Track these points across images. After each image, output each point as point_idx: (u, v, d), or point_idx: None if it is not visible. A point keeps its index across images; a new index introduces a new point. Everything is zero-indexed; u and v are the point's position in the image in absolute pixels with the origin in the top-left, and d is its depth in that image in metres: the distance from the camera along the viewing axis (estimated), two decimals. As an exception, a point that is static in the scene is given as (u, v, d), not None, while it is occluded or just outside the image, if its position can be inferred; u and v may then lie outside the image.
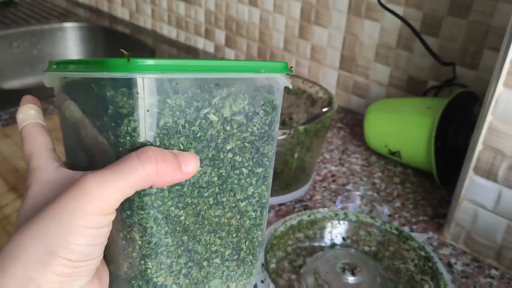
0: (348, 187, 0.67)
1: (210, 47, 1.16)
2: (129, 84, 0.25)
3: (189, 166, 0.26)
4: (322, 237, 0.52)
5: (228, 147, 0.29)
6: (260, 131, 0.30)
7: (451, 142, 0.65)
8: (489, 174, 0.51)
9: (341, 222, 0.52)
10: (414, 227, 0.60)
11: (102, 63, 0.25)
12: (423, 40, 0.74)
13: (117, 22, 1.35)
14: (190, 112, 0.27)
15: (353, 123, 0.86)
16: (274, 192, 0.62)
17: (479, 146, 0.51)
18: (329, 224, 0.52)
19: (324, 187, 0.67)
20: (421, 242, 0.48)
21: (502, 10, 0.67)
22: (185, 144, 0.27)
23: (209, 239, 0.30)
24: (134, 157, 0.25)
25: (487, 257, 0.54)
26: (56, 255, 0.24)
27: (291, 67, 0.30)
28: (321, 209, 0.52)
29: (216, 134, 0.28)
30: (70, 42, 1.31)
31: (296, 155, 0.59)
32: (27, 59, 1.26)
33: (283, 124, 0.72)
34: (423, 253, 0.47)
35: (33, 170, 0.29)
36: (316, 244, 0.51)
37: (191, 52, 1.17)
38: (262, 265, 0.43)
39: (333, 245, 0.51)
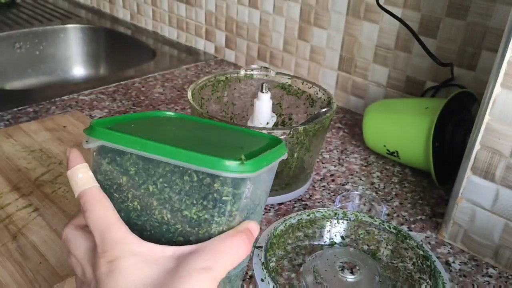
0: (347, 186, 0.68)
1: (210, 48, 1.17)
2: (239, 183, 0.31)
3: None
4: (321, 236, 0.52)
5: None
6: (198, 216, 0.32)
7: (449, 142, 0.65)
8: (487, 174, 0.52)
9: (340, 221, 0.52)
10: (413, 226, 0.60)
11: (216, 163, 0.30)
12: (421, 41, 0.74)
13: (119, 23, 1.35)
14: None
15: (352, 123, 0.87)
16: (274, 192, 0.62)
17: (477, 146, 0.52)
18: (328, 223, 0.52)
19: (323, 186, 0.67)
20: (419, 241, 0.49)
21: (499, 12, 0.67)
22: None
23: None
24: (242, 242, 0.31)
25: (485, 256, 0.55)
26: None
27: (242, 160, 0.30)
28: (320, 208, 0.53)
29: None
30: (72, 43, 1.32)
31: (295, 155, 0.59)
32: (29, 60, 1.26)
33: (283, 124, 0.72)
34: (421, 252, 0.47)
35: (116, 242, 0.30)
36: (315, 243, 0.52)
37: (192, 53, 1.17)
38: (262, 263, 0.44)
39: (332, 244, 0.52)
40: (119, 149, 0.32)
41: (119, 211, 0.33)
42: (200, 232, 0.32)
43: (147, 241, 0.31)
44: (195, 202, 0.32)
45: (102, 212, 0.31)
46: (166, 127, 0.38)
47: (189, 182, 0.31)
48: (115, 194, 0.33)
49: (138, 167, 0.32)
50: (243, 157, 0.30)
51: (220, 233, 0.32)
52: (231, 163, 0.30)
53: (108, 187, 0.34)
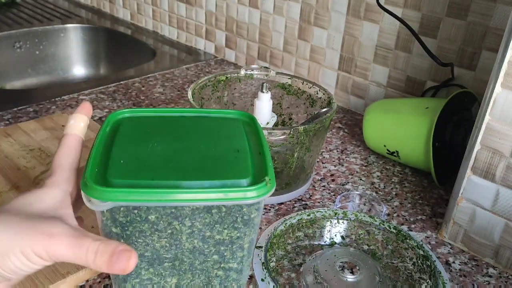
0: (347, 186, 0.68)
1: (210, 48, 1.17)
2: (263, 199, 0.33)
3: (121, 264, 0.30)
4: (321, 236, 0.52)
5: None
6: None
7: (449, 142, 0.65)
8: (487, 174, 0.52)
9: (340, 221, 0.52)
10: (413, 226, 0.60)
11: (246, 194, 0.31)
12: (422, 41, 0.74)
13: (119, 23, 1.35)
14: None
15: (352, 123, 0.87)
16: (274, 192, 0.62)
17: (477, 146, 0.52)
18: (328, 223, 0.52)
19: (324, 186, 0.67)
20: (419, 241, 0.49)
21: (500, 12, 0.67)
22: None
23: None
24: (87, 242, 0.30)
25: (485, 256, 0.55)
26: None
27: (267, 181, 0.32)
28: (320, 208, 0.53)
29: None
30: (72, 43, 1.32)
31: (295, 155, 0.59)
32: (29, 59, 1.26)
33: (283, 124, 0.72)
34: (421, 252, 0.47)
35: (52, 183, 0.33)
36: (315, 243, 0.52)
37: (192, 53, 1.17)
38: (262, 263, 0.44)
39: (332, 244, 0.52)
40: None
41: (144, 252, 0.33)
42: (234, 247, 0.34)
43: (181, 268, 0.35)
44: (226, 226, 0.33)
45: (61, 156, 0.33)
46: (152, 144, 0.36)
47: (217, 213, 0.32)
48: (139, 240, 0.33)
49: (159, 214, 0.32)
50: (267, 179, 0.32)
51: (250, 242, 0.35)
52: (260, 190, 0.31)
53: (129, 236, 0.33)
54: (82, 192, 0.31)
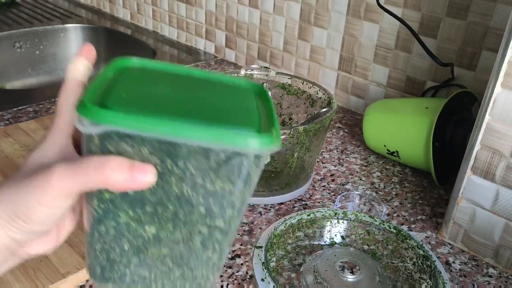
0: (347, 186, 0.68)
1: (210, 48, 1.17)
2: (265, 154, 0.31)
3: (144, 176, 0.29)
4: (321, 236, 0.52)
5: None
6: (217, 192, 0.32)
7: (449, 142, 0.65)
8: (487, 174, 0.52)
9: (340, 221, 0.52)
10: (413, 226, 0.60)
11: (250, 139, 0.30)
12: (422, 41, 0.74)
13: (119, 23, 1.35)
14: None
15: (352, 123, 0.87)
16: (274, 191, 0.62)
17: (477, 146, 0.52)
18: (328, 223, 0.52)
19: (324, 186, 0.67)
20: (419, 241, 0.49)
21: (500, 12, 0.67)
22: None
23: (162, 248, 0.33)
24: (95, 161, 0.29)
25: (485, 256, 0.55)
26: (19, 217, 0.29)
27: (273, 134, 0.31)
28: (320, 208, 0.53)
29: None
30: (72, 43, 1.32)
31: (295, 155, 0.59)
32: (29, 59, 1.26)
33: (283, 124, 0.72)
34: (421, 252, 0.48)
35: (55, 128, 0.33)
36: (315, 242, 0.52)
37: (192, 52, 1.17)
38: (262, 263, 0.44)
39: (332, 244, 0.52)
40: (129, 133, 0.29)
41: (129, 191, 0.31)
42: (224, 202, 0.32)
43: (162, 217, 0.32)
44: (220, 176, 0.31)
45: (63, 101, 0.32)
46: (158, 88, 0.34)
47: (215, 159, 0.30)
48: None
49: (154, 148, 0.30)
50: (273, 132, 0.31)
51: (242, 202, 0.32)
52: (264, 141, 0.30)
53: None
54: (75, 112, 0.29)
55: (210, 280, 0.36)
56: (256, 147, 0.30)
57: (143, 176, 0.29)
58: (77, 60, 0.35)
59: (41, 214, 0.29)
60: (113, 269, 0.34)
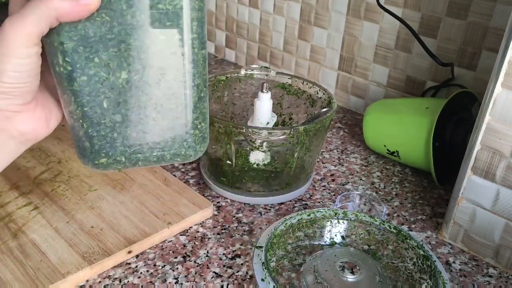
0: (347, 186, 0.68)
1: (210, 48, 1.17)
2: None
3: None
4: (321, 236, 0.52)
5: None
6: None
7: (449, 142, 0.65)
8: (487, 174, 0.52)
9: (341, 221, 0.52)
10: (413, 226, 0.60)
11: None
12: (422, 41, 0.74)
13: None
14: None
15: (352, 123, 0.87)
16: (274, 191, 0.62)
17: (477, 146, 0.52)
18: (328, 223, 0.52)
19: (324, 186, 0.67)
20: (419, 241, 0.49)
21: (500, 11, 0.67)
22: None
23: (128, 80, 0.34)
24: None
25: (485, 256, 0.55)
26: None
27: None
28: (320, 208, 0.53)
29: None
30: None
31: (296, 155, 0.59)
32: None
33: (283, 124, 0.72)
34: (421, 252, 0.47)
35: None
36: (315, 242, 0.52)
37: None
38: (263, 263, 0.44)
39: (332, 244, 0.52)
40: None
41: (87, 32, 0.32)
42: (180, 21, 0.32)
43: (126, 50, 0.33)
44: None
45: (8, 20, 0.33)
46: None
47: None
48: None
49: None
50: None
51: (197, 19, 0.33)
52: None
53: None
54: None
55: (198, 128, 0.36)
56: None
57: None
58: None
59: (10, 66, 0.31)
60: (100, 138, 0.34)
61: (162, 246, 0.54)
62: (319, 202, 0.64)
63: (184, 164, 0.70)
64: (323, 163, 0.73)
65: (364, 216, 0.52)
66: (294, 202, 0.63)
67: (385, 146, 0.72)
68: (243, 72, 0.70)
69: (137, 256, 0.52)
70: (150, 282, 0.49)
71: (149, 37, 0.33)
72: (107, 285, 0.48)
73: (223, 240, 0.55)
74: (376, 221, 0.51)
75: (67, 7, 0.30)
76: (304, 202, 0.63)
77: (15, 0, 0.33)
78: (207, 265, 0.51)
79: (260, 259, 0.44)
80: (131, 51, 0.33)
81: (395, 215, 0.62)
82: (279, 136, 0.56)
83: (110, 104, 0.34)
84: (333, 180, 0.69)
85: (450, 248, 0.57)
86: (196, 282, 0.49)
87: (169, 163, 0.38)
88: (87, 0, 0.30)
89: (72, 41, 0.32)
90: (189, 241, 0.55)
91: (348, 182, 0.69)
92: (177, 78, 0.34)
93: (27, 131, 0.35)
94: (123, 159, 0.36)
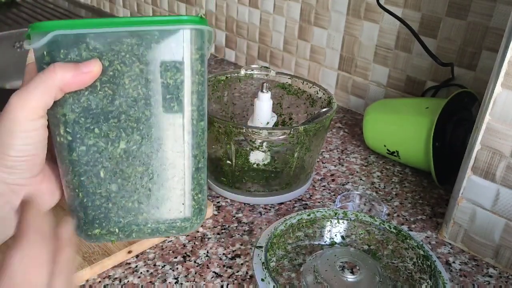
0: (347, 186, 0.68)
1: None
2: (199, 34, 0.33)
3: (89, 67, 0.31)
4: (321, 235, 0.52)
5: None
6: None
7: (449, 142, 0.65)
8: (487, 174, 0.52)
9: (341, 221, 0.52)
10: (413, 226, 0.60)
11: (181, 20, 0.33)
12: (422, 41, 0.74)
13: (118, 23, 1.35)
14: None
15: (352, 123, 0.87)
16: (274, 191, 0.62)
17: (477, 146, 0.52)
18: (328, 223, 0.52)
19: (324, 186, 0.67)
20: (419, 241, 0.49)
21: (500, 11, 0.67)
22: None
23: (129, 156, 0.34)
24: (41, 72, 0.31)
25: (485, 256, 0.55)
26: None
27: (200, 15, 0.34)
28: (320, 208, 0.53)
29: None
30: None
31: (296, 155, 0.59)
32: (28, 59, 1.26)
33: (283, 124, 0.72)
34: (421, 252, 0.47)
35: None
36: (315, 242, 0.52)
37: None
38: (262, 263, 0.44)
39: (332, 244, 0.52)
40: (74, 38, 0.31)
41: (89, 104, 0.33)
42: (180, 94, 0.33)
43: (126, 122, 0.33)
44: (167, 67, 0.33)
45: (26, 81, 0.33)
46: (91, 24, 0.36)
47: (157, 49, 0.32)
48: (81, 89, 0.32)
49: (99, 51, 0.32)
50: (200, 14, 0.34)
51: (197, 92, 0.34)
52: (193, 17, 0.33)
53: None
54: (25, 37, 0.32)
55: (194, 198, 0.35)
56: (187, 24, 0.32)
57: (88, 67, 0.31)
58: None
59: (17, 140, 0.31)
60: (94, 208, 0.34)
61: (162, 246, 0.54)
62: (319, 202, 0.64)
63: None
64: (323, 163, 0.73)
65: (364, 216, 0.52)
66: (294, 202, 0.63)
67: (385, 146, 0.72)
68: (243, 72, 0.70)
69: (137, 256, 0.52)
70: (150, 282, 0.49)
71: (149, 108, 0.33)
72: (107, 285, 0.48)
73: (223, 240, 0.55)
74: (376, 221, 0.51)
75: (70, 77, 0.31)
76: (304, 202, 0.63)
77: (29, 72, 0.34)
78: (207, 265, 0.51)
79: (260, 259, 0.44)
80: (131, 122, 0.33)
81: (395, 215, 0.62)
82: (279, 136, 0.56)
83: (107, 173, 0.34)
84: (333, 180, 0.69)
85: (450, 248, 0.57)
86: (196, 282, 0.49)
87: (164, 236, 0.37)
88: (88, 68, 0.31)
89: (74, 113, 0.33)
90: (189, 241, 0.55)
91: (348, 182, 0.69)
92: (175, 149, 0.34)
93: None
94: (117, 230, 0.35)
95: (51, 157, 0.35)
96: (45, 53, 0.32)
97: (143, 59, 0.32)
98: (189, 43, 0.33)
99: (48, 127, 0.33)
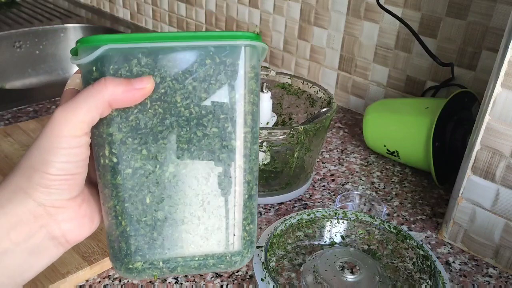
0: (347, 186, 0.68)
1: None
2: (253, 53, 0.32)
3: (142, 83, 0.29)
4: (321, 235, 0.52)
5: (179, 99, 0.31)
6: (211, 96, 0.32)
7: (449, 142, 0.65)
8: (487, 174, 0.52)
9: (340, 221, 0.52)
10: (413, 226, 0.60)
11: (237, 35, 0.31)
12: (422, 41, 0.74)
13: (119, 23, 1.35)
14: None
15: (352, 123, 0.87)
16: (274, 191, 0.62)
17: (477, 146, 0.52)
18: (328, 223, 0.52)
19: (324, 186, 0.67)
20: (419, 241, 0.49)
21: (500, 11, 0.67)
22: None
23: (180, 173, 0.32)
24: (90, 86, 0.29)
25: (485, 256, 0.55)
26: (37, 169, 0.29)
27: (256, 32, 0.33)
28: (320, 208, 0.53)
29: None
30: (72, 43, 1.32)
31: (295, 155, 0.59)
32: (29, 59, 1.26)
33: (283, 124, 0.72)
34: (421, 252, 0.47)
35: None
36: (315, 242, 0.52)
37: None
38: (262, 263, 0.44)
39: (332, 244, 0.52)
40: (125, 53, 0.30)
41: (138, 123, 0.30)
42: (234, 115, 0.31)
43: (176, 143, 0.31)
44: (222, 84, 0.31)
45: (59, 108, 0.31)
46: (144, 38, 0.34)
47: (212, 65, 0.31)
48: (130, 107, 0.30)
49: (151, 66, 0.30)
50: (255, 30, 0.33)
51: (251, 113, 0.32)
52: (249, 33, 0.31)
53: None
54: (71, 53, 0.31)
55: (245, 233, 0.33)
56: (244, 39, 0.31)
57: (141, 83, 0.29)
58: (74, 75, 0.36)
59: (58, 156, 0.29)
60: (138, 238, 0.32)
61: (162, 246, 0.54)
62: (319, 202, 0.64)
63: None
64: (323, 163, 0.73)
65: (364, 216, 0.52)
66: (294, 202, 0.63)
67: (385, 146, 0.71)
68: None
69: (137, 256, 0.52)
70: (150, 282, 0.49)
71: (201, 129, 0.31)
72: (107, 285, 0.48)
73: (223, 240, 0.55)
74: (376, 221, 0.51)
75: (120, 92, 0.29)
76: (304, 202, 0.63)
77: (65, 97, 0.32)
78: (207, 265, 0.51)
79: (260, 259, 0.44)
80: (181, 143, 0.31)
81: (395, 215, 0.62)
82: (279, 136, 0.56)
83: (154, 200, 0.31)
84: (333, 180, 0.69)
85: (450, 248, 0.57)
86: (196, 282, 0.49)
87: (211, 271, 0.33)
88: (141, 84, 0.29)
89: (121, 132, 0.30)
90: (189, 241, 0.55)
91: (348, 182, 0.69)
92: (228, 174, 0.32)
93: (70, 230, 0.32)
94: (161, 263, 0.32)
95: (90, 181, 0.33)
96: (94, 68, 0.30)
97: (196, 76, 0.31)
98: (244, 60, 0.31)
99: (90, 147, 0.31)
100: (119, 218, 0.31)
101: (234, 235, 0.32)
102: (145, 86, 0.29)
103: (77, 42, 0.30)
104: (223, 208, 0.32)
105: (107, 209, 0.32)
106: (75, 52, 0.31)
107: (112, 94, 0.29)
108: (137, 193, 0.31)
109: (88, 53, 0.30)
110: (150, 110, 0.30)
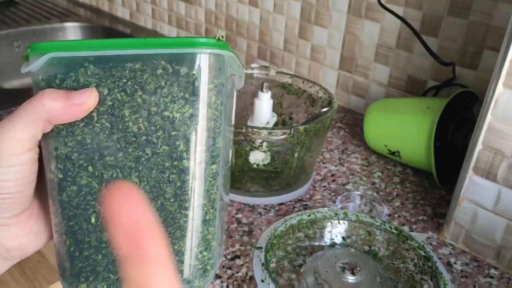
0: (348, 186, 0.67)
1: (210, 47, 1.17)
2: (219, 61, 0.29)
3: (82, 98, 0.27)
4: (322, 236, 0.52)
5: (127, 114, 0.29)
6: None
7: (450, 142, 0.65)
8: (489, 174, 0.51)
9: (341, 221, 0.52)
10: (414, 226, 0.60)
11: (193, 41, 0.29)
12: (423, 40, 0.74)
13: (118, 22, 1.35)
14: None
15: (353, 122, 0.87)
16: (274, 192, 0.62)
17: (479, 146, 0.51)
18: (329, 223, 0.52)
19: (324, 186, 0.67)
20: (420, 242, 0.48)
21: (502, 11, 0.67)
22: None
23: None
24: (27, 101, 0.27)
25: (486, 257, 0.55)
26: None
27: (218, 37, 0.29)
28: (321, 209, 0.52)
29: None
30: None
31: (296, 155, 0.59)
32: (27, 58, 1.26)
33: (283, 123, 0.72)
34: (422, 253, 0.47)
35: None
36: (316, 243, 0.52)
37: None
38: (262, 264, 0.43)
39: (333, 245, 0.52)
40: (72, 61, 0.28)
41: (84, 138, 0.29)
42: (187, 132, 0.29)
43: (124, 160, 0.29)
44: (174, 98, 0.28)
45: None
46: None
47: (164, 76, 0.28)
48: (76, 120, 0.29)
49: (99, 76, 0.28)
50: (217, 36, 0.29)
51: (209, 129, 0.29)
52: (209, 40, 0.28)
53: None
54: (23, 58, 0.29)
55: (200, 259, 0.30)
56: (201, 47, 0.28)
57: (81, 97, 0.27)
58: None
59: (2, 172, 0.27)
60: (82, 259, 0.30)
61: (161, 246, 0.53)
62: (319, 203, 0.63)
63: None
64: (323, 163, 0.73)
65: (365, 217, 0.52)
66: (294, 202, 0.63)
67: (386, 146, 0.71)
68: (243, 71, 0.69)
69: (136, 257, 0.51)
70: None
71: (150, 147, 0.29)
72: (106, 286, 0.48)
73: (222, 240, 0.55)
74: (376, 221, 0.51)
75: (59, 108, 0.27)
76: (304, 203, 0.63)
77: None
78: (207, 266, 0.51)
79: (260, 260, 0.44)
80: (129, 161, 0.29)
81: (396, 215, 0.62)
82: (279, 136, 0.55)
83: (99, 220, 0.30)
84: (333, 181, 0.69)
85: (451, 249, 0.56)
86: (195, 283, 0.49)
87: None
88: (81, 99, 0.27)
89: (67, 147, 0.29)
90: (188, 242, 0.54)
91: (349, 183, 0.68)
92: (179, 196, 0.29)
93: (14, 247, 0.30)
94: (105, 287, 0.30)
95: (41, 193, 0.32)
96: (40, 78, 0.28)
97: (146, 88, 0.28)
98: (201, 70, 0.28)
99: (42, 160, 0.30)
100: (64, 236, 0.30)
101: (183, 263, 0.30)
102: (85, 102, 0.27)
103: (27, 47, 0.29)
104: (172, 235, 0.30)
105: (54, 225, 0.31)
106: (26, 58, 0.29)
107: (49, 111, 0.27)
108: (82, 211, 0.30)
109: (35, 60, 0.28)
110: (96, 124, 0.29)
